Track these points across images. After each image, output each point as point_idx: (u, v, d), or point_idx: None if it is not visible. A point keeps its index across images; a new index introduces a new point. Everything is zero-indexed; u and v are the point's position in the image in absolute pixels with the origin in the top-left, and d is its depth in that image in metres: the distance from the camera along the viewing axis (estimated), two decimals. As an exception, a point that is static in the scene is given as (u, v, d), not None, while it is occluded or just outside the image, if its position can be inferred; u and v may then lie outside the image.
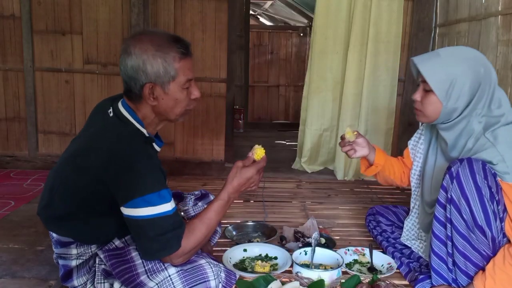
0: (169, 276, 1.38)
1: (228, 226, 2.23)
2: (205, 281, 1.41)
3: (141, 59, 1.38)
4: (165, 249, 1.38)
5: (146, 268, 1.41)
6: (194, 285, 1.39)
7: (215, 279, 1.42)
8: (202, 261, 1.44)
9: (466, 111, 1.56)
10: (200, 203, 1.98)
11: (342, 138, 1.89)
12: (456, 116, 1.58)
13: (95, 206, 1.45)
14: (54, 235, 1.55)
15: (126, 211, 1.36)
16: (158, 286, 1.37)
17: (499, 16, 2.40)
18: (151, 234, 1.36)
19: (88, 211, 1.46)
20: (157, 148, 1.56)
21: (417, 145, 1.91)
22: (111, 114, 1.46)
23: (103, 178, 1.37)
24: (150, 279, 1.38)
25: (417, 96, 1.64)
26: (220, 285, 1.45)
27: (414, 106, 1.68)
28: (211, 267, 1.43)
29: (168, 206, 1.37)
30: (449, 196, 1.50)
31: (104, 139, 1.41)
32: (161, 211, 1.35)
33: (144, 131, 1.46)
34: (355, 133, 1.87)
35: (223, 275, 1.47)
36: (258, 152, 1.78)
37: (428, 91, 1.59)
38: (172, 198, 1.41)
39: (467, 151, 1.58)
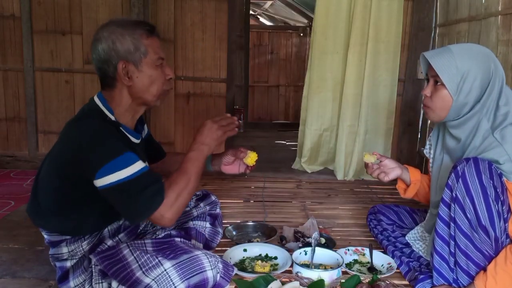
0: (165, 270, 1.37)
1: (228, 226, 2.23)
2: (202, 272, 1.40)
3: (111, 39, 1.43)
4: (150, 205, 1.37)
5: (140, 263, 1.40)
6: (191, 277, 1.38)
7: (212, 269, 1.41)
8: (198, 252, 1.44)
9: (477, 107, 1.57)
10: (201, 204, 1.98)
11: (366, 165, 1.85)
12: (466, 111, 1.59)
13: (72, 194, 1.46)
14: (46, 235, 1.57)
15: (98, 182, 1.36)
16: (155, 281, 1.36)
17: (499, 16, 2.40)
18: (129, 197, 1.35)
19: (67, 201, 1.48)
20: (133, 139, 1.55)
21: (430, 152, 1.90)
22: (87, 106, 1.52)
23: (69, 162, 1.40)
24: (146, 275, 1.37)
25: (427, 91, 1.64)
26: (218, 275, 1.44)
27: (423, 103, 1.68)
28: (207, 257, 1.42)
29: (136, 166, 1.37)
30: (454, 195, 1.50)
31: (69, 128, 1.47)
32: (131, 173, 1.35)
33: (112, 117, 1.48)
34: (375, 154, 1.82)
35: (220, 265, 1.46)
36: (251, 157, 1.80)
37: (438, 86, 1.60)
38: (140, 161, 1.40)
39: (474, 149, 1.58)
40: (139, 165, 1.38)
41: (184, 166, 1.48)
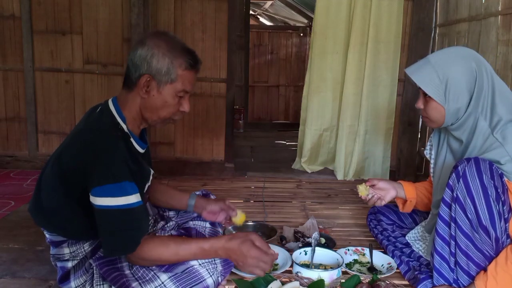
0: (162, 283, 1.38)
1: (228, 226, 2.23)
2: (201, 281, 1.41)
3: (151, 51, 1.42)
4: (120, 248, 1.38)
5: (136, 277, 1.41)
6: (191, 287, 1.39)
7: (211, 276, 1.42)
8: (193, 263, 1.44)
9: (469, 108, 1.57)
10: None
11: (360, 196, 1.89)
12: (462, 114, 1.60)
13: (76, 199, 1.46)
14: (47, 235, 1.57)
15: (91, 199, 1.36)
16: None
17: (499, 16, 2.40)
18: (109, 226, 1.36)
19: (70, 204, 1.47)
20: (139, 149, 1.54)
21: (430, 153, 1.91)
22: (98, 110, 1.51)
23: (74, 169, 1.40)
24: (142, 287, 1.39)
25: (420, 104, 1.67)
26: (220, 278, 1.44)
27: (420, 114, 1.70)
28: (204, 267, 1.43)
29: (130, 199, 1.35)
30: (454, 195, 1.50)
31: (79, 131, 1.47)
32: (122, 203, 1.34)
33: (124, 126, 1.47)
34: (367, 187, 1.86)
35: (220, 267, 1.46)
36: (240, 217, 1.82)
37: (427, 98, 1.62)
38: (138, 194, 1.39)
39: (475, 149, 1.58)
40: (133, 199, 1.36)
41: (189, 248, 1.44)
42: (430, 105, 1.62)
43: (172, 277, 1.39)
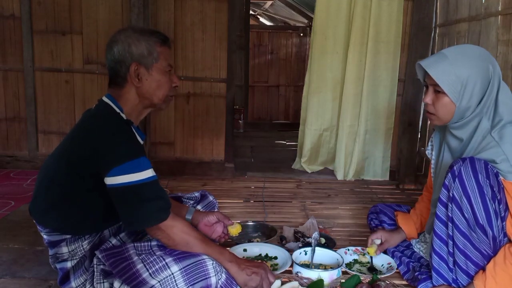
0: (172, 274, 1.38)
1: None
2: (206, 278, 1.41)
3: (127, 42, 1.51)
4: (149, 218, 1.42)
5: (146, 265, 1.40)
6: (196, 283, 1.39)
7: (215, 275, 1.43)
8: (204, 256, 1.45)
9: (478, 109, 1.57)
10: (199, 207, 1.99)
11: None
12: (469, 114, 1.59)
13: (77, 189, 1.49)
14: (45, 236, 1.57)
15: (109, 180, 1.40)
16: (160, 284, 1.36)
17: (499, 16, 2.40)
18: (136, 201, 1.40)
19: (71, 195, 1.50)
20: (139, 140, 1.59)
21: (431, 153, 1.90)
22: (94, 106, 1.58)
23: (83, 157, 1.43)
24: (152, 277, 1.37)
25: (428, 99, 1.62)
26: (219, 282, 1.45)
27: (426, 109, 1.67)
28: (212, 262, 1.44)
29: (149, 173, 1.42)
30: (451, 194, 1.50)
31: (82, 123, 1.55)
32: (142, 178, 1.40)
33: (123, 115, 1.52)
34: (374, 248, 1.90)
35: (224, 276, 1.47)
36: (236, 227, 1.83)
37: (439, 93, 1.58)
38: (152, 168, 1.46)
39: (472, 148, 1.58)
40: (151, 172, 1.43)
41: (205, 248, 1.48)
42: (441, 101, 1.59)
43: (183, 270, 1.39)
